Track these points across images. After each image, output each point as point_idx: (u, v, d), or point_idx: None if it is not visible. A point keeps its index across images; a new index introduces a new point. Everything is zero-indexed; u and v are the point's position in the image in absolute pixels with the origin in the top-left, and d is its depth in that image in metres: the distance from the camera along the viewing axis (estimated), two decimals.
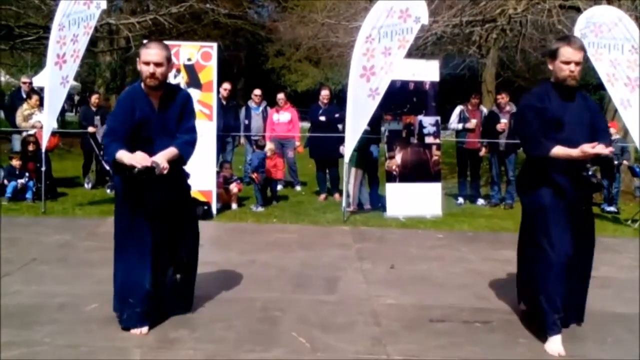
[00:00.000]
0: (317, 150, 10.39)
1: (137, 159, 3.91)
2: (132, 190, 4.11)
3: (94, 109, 11.31)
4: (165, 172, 4.02)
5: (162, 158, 4.05)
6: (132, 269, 4.18)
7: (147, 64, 4.09)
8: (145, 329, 4.15)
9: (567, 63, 4.14)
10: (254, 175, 9.37)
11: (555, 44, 4.31)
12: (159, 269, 4.26)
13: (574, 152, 4.02)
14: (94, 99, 11.62)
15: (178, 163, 4.27)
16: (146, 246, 4.16)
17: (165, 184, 4.14)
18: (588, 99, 4.43)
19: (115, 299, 4.30)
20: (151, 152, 4.08)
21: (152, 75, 4.09)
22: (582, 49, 4.21)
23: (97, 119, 11.15)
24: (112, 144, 4.05)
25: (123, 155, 3.95)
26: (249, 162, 9.77)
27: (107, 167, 10.66)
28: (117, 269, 4.28)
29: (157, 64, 4.09)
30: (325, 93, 10.50)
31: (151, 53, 4.10)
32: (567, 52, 4.14)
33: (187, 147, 4.27)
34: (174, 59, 8.26)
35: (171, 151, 4.16)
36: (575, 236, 4.18)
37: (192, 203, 4.87)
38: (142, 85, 4.18)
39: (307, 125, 11.65)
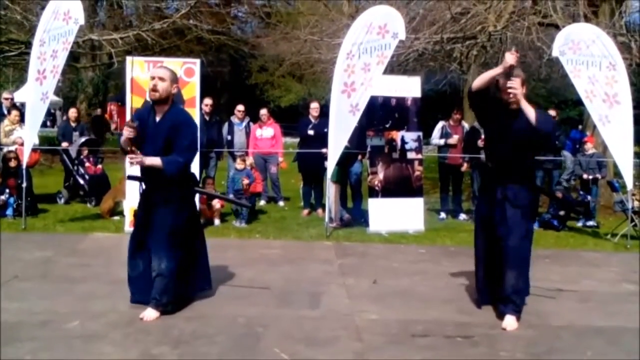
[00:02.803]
0: (306, 165, 10.36)
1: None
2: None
3: (73, 124, 11.26)
4: (134, 162, 4.78)
5: (148, 159, 4.73)
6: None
7: (152, 78, 4.80)
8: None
9: None
10: (246, 185, 9.33)
11: None
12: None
13: None
14: (72, 113, 11.56)
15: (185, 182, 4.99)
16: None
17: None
18: None
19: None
20: (145, 151, 4.81)
21: (154, 87, 4.74)
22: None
23: (75, 134, 11.10)
24: None
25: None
26: (231, 179, 9.74)
27: (82, 182, 10.65)
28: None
29: (160, 78, 4.77)
30: (314, 106, 10.49)
31: (156, 71, 4.88)
32: None
33: (171, 164, 4.74)
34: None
35: (156, 159, 4.73)
36: None
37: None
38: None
39: (290, 140, 11.66)
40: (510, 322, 4.78)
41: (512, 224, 4.83)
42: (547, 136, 4.88)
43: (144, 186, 5.03)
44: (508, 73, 4.84)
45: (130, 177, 5.30)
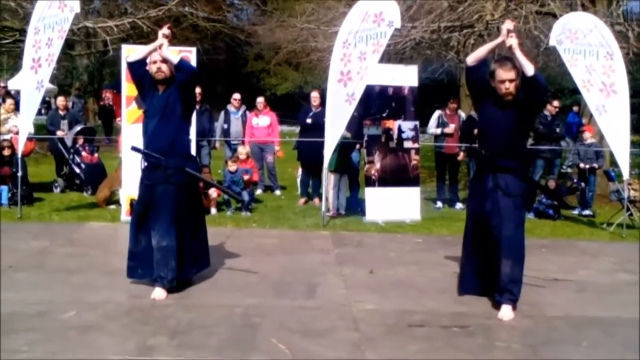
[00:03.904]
0: (305, 154, 10.30)
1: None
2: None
3: (61, 112, 11.19)
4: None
5: (167, 51, 5.03)
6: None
7: (155, 62, 4.99)
8: None
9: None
10: (247, 178, 9.36)
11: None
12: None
13: None
14: (60, 101, 11.46)
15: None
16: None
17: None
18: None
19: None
20: (145, 127, 5.10)
21: (159, 70, 4.98)
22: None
23: (64, 123, 11.03)
24: None
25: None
26: (230, 181, 9.66)
27: (77, 171, 10.61)
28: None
29: (162, 61, 4.98)
30: (315, 95, 10.43)
31: (155, 55, 5.01)
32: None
33: (185, 61, 5.19)
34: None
35: (173, 55, 5.11)
36: None
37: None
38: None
39: (287, 129, 11.61)
40: (506, 312, 4.79)
41: (505, 213, 4.82)
42: (543, 87, 4.87)
43: (145, 163, 5.10)
44: (502, 62, 4.81)
45: (134, 149, 5.28)
